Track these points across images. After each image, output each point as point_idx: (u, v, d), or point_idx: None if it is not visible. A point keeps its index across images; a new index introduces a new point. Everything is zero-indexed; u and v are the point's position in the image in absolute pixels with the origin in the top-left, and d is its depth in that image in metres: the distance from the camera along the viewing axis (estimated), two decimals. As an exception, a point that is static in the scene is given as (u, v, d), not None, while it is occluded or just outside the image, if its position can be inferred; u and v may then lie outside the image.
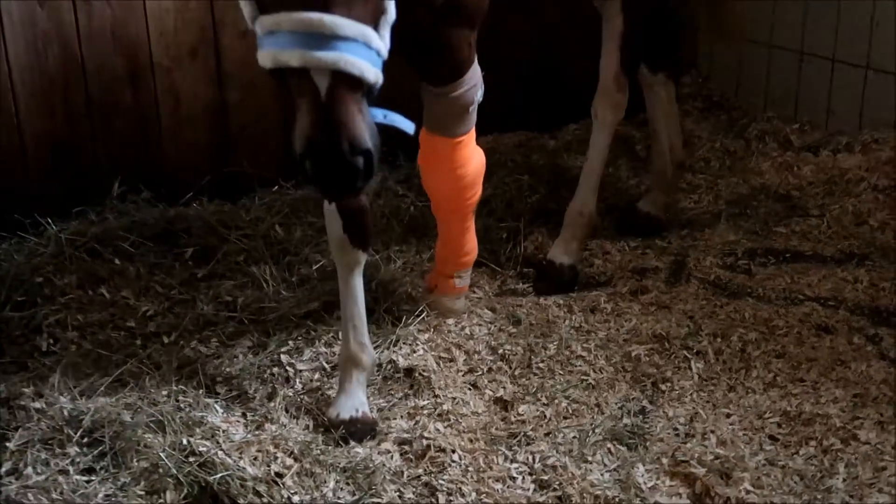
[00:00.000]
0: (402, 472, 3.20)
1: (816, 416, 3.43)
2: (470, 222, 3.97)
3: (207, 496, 3.05)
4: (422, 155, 3.78)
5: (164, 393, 3.55)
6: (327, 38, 2.59)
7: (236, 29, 4.85)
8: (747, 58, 6.03)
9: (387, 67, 2.76)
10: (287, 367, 3.74)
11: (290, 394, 3.61)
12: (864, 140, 5.29)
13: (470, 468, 3.22)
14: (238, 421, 3.44)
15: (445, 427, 3.41)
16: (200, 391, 3.60)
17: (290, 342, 3.88)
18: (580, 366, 3.79)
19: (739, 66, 6.11)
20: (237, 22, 4.82)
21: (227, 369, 3.75)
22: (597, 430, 3.39)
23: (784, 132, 5.65)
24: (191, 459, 3.12)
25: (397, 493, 3.10)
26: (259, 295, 4.16)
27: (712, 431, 3.39)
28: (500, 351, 3.86)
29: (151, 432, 3.28)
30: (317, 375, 3.72)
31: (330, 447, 3.33)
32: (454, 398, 3.57)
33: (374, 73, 2.68)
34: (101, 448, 3.24)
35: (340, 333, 3.66)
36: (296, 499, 3.06)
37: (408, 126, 3.02)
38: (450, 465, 3.22)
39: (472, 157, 3.79)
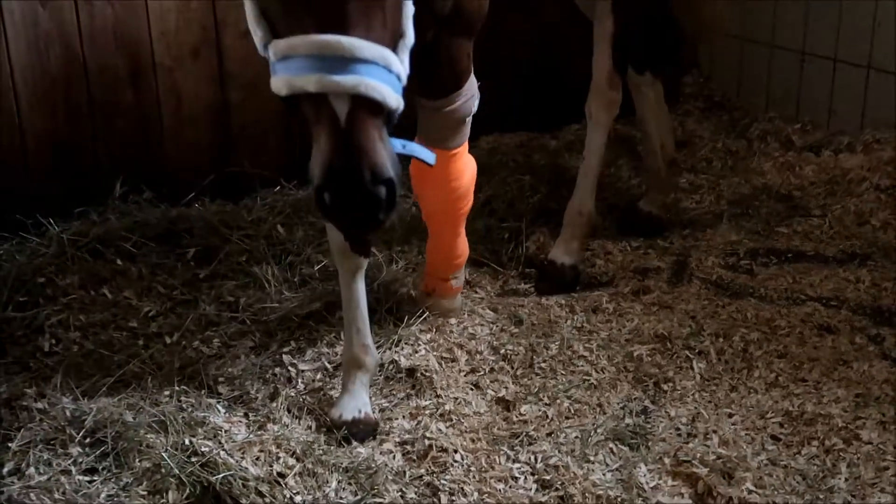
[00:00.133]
0: (405, 472, 3.20)
1: (818, 416, 3.43)
2: (461, 228, 3.93)
3: (210, 496, 3.05)
4: (414, 166, 3.72)
5: (167, 393, 3.55)
6: (346, 62, 2.44)
7: (238, 29, 4.85)
8: (749, 58, 6.04)
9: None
10: (289, 368, 3.74)
11: (293, 394, 3.61)
12: (866, 140, 5.30)
13: (472, 468, 3.22)
14: (240, 421, 3.44)
15: (447, 427, 3.41)
16: (202, 391, 3.60)
17: (293, 342, 3.89)
18: (582, 366, 3.79)
19: (741, 67, 6.11)
20: (239, 22, 4.82)
21: (230, 369, 3.75)
22: (599, 430, 3.39)
23: (786, 132, 5.65)
24: (193, 459, 3.13)
25: (399, 493, 3.10)
26: (261, 295, 4.16)
27: (714, 431, 3.39)
28: (502, 351, 3.86)
29: (154, 432, 3.28)
30: (319, 375, 3.73)
31: (332, 447, 3.33)
32: (456, 398, 3.57)
33: (395, 99, 2.54)
34: (103, 448, 3.24)
35: (343, 335, 3.66)
36: (298, 499, 3.06)
37: (429, 157, 2.97)
38: (452, 465, 3.22)
39: (466, 169, 3.75)
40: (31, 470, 3.17)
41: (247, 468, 3.10)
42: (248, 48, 4.76)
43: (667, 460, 3.24)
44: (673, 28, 4.83)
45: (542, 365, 3.78)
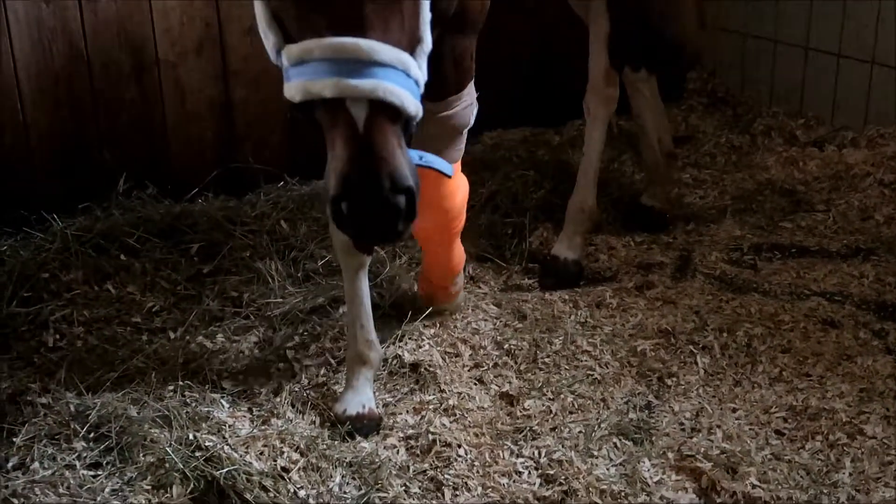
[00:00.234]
0: (408, 467, 3.21)
1: (822, 411, 3.43)
2: (456, 242, 3.85)
3: (214, 491, 3.06)
4: None
5: (171, 388, 3.55)
6: (364, 65, 2.35)
7: (241, 25, 4.86)
8: (752, 53, 6.03)
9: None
10: (293, 363, 3.75)
11: (296, 389, 3.61)
12: (870, 135, 5.30)
13: (476, 463, 3.22)
14: (244, 416, 3.45)
15: (451, 422, 3.41)
16: (206, 386, 3.60)
17: (296, 337, 3.89)
18: (586, 361, 3.78)
19: (745, 62, 6.10)
20: (242, 18, 4.84)
21: (233, 364, 3.76)
22: (602, 425, 3.38)
23: (789, 127, 5.66)
24: (197, 454, 3.13)
25: (403, 488, 3.10)
26: (265, 290, 4.16)
27: (718, 426, 3.39)
28: (506, 346, 3.86)
29: (158, 427, 3.29)
30: (323, 370, 3.73)
31: (336, 442, 3.33)
32: (460, 393, 3.57)
33: (414, 105, 2.45)
34: (107, 443, 3.25)
35: (347, 331, 3.66)
36: (302, 493, 3.06)
37: (447, 168, 2.91)
38: (455, 460, 3.22)
39: (459, 189, 3.63)
40: (36, 465, 3.17)
41: (251, 463, 3.10)
42: (252, 45, 4.81)
43: (670, 455, 3.24)
44: (655, 23, 4.82)
45: (546, 360, 3.78)
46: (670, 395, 3.59)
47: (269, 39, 2.53)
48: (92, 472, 3.15)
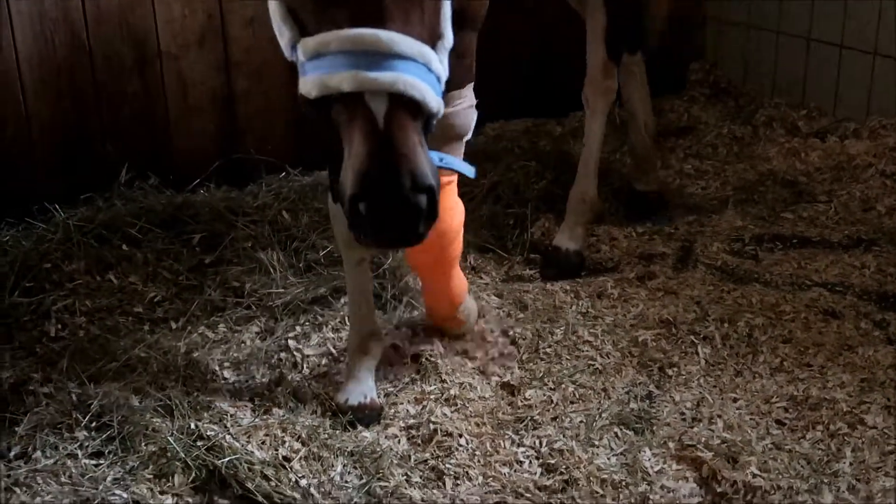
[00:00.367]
0: (410, 456, 3.22)
1: (823, 401, 3.43)
2: (455, 269, 3.65)
3: (215, 480, 3.08)
4: None
5: (172, 378, 3.57)
6: (383, 57, 2.25)
7: (243, 17, 4.86)
8: (755, 44, 6.03)
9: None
10: (294, 353, 3.75)
11: (298, 379, 3.62)
12: (872, 126, 5.29)
13: (477, 452, 3.23)
14: (246, 405, 3.46)
15: (452, 412, 3.42)
16: (208, 376, 3.61)
17: (298, 327, 3.90)
18: (587, 351, 3.79)
19: (747, 53, 6.10)
20: (244, 9, 4.83)
21: (235, 354, 3.77)
22: (603, 415, 3.39)
23: (791, 118, 5.65)
24: (199, 443, 3.15)
25: (404, 477, 3.11)
26: (266, 281, 4.17)
27: (719, 416, 3.39)
28: (508, 336, 3.86)
29: (159, 416, 3.31)
30: (324, 360, 3.73)
31: (337, 431, 3.34)
32: (461, 383, 3.57)
33: (436, 100, 2.34)
34: (109, 432, 3.26)
35: (348, 321, 3.67)
36: (303, 482, 3.07)
37: (468, 170, 2.83)
38: (457, 450, 3.23)
39: (455, 209, 3.43)
40: (38, 454, 3.19)
41: (252, 452, 3.12)
42: (254, 36, 4.82)
43: (671, 445, 3.25)
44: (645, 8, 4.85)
45: (548, 350, 3.79)
46: (671, 385, 3.60)
47: (283, 34, 2.44)
48: (94, 462, 3.17)
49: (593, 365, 3.70)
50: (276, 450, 3.16)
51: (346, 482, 3.11)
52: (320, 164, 4.92)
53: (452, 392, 3.51)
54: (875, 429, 3.29)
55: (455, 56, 3.14)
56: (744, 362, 3.70)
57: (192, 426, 3.22)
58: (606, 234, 4.69)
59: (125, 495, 3.00)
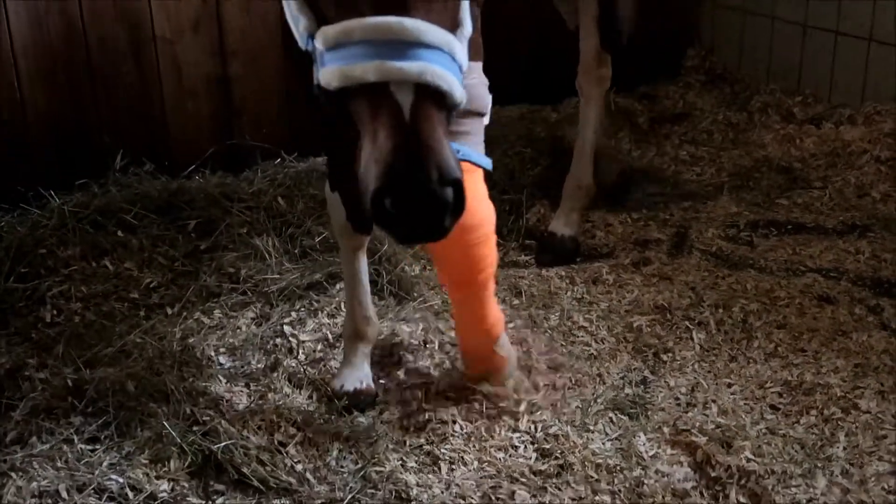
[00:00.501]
0: (405, 442, 3.22)
1: (817, 386, 3.44)
2: (489, 291, 3.27)
3: (211, 465, 3.08)
4: None
5: (168, 363, 3.57)
6: (409, 46, 2.15)
7: (238, 1, 4.85)
8: (750, 30, 6.02)
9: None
10: (290, 338, 3.75)
11: (293, 364, 3.62)
12: (867, 112, 5.29)
13: (472, 437, 3.23)
14: (241, 391, 3.46)
15: (447, 398, 3.42)
16: (204, 362, 3.61)
17: (293, 313, 3.90)
18: (582, 336, 3.80)
19: (742, 39, 6.09)
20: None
21: (231, 340, 3.77)
22: (599, 400, 3.40)
23: (787, 105, 5.66)
24: (195, 429, 3.16)
25: (400, 462, 3.12)
26: (262, 266, 4.17)
27: (713, 401, 3.41)
28: (503, 322, 3.87)
29: (155, 402, 3.31)
30: (320, 346, 3.74)
31: (333, 417, 3.35)
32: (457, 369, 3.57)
33: (460, 91, 2.23)
34: (105, 418, 3.27)
35: (344, 307, 3.67)
36: (299, 467, 3.07)
37: (486, 163, 2.78)
38: (452, 435, 3.23)
39: (481, 206, 3.10)
40: (34, 439, 3.20)
41: (248, 437, 3.12)
42: (249, 21, 4.81)
43: (666, 429, 3.26)
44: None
45: (543, 336, 3.79)
46: (666, 371, 3.61)
47: (299, 22, 2.33)
48: (90, 447, 3.18)
49: (588, 350, 3.71)
50: (272, 435, 3.16)
51: (342, 467, 3.11)
52: (316, 150, 4.92)
53: (448, 378, 3.52)
54: (869, 413, 3.31)
55: None
56: (738, 348, 3.71)
57: (188, 411, 3.23)
58: (602, 219, 4.70)
59: (121, 480, 3.00)
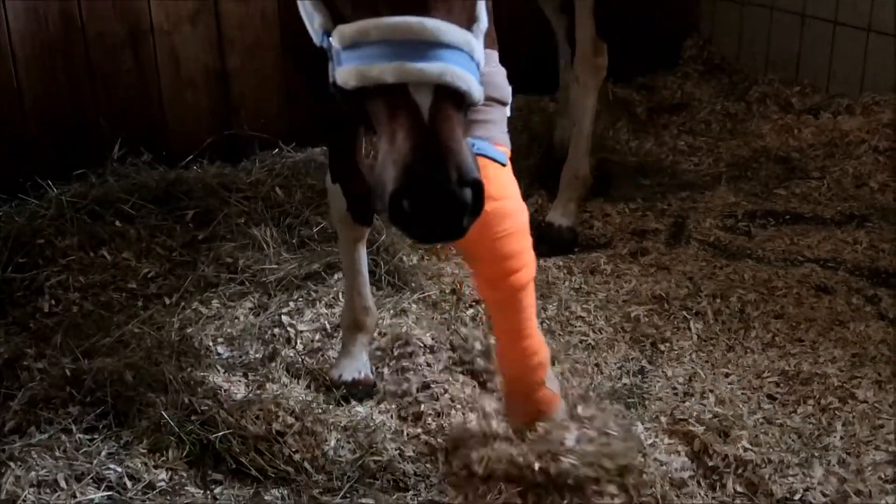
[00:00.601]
0: (402, 431, 3.22)
1: (814, 376, 3.45)
2: (527, 308, 2.94)
3: (209, 454, 3.09)
4: None
5: (166, 353, 3.57)
6: (429, 47, 2.11)
7: (236, -8, 4.86)
8: (749, 20, 6.02)
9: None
10: (288, 328, 3.76)
11: (291, 354, 3.63)
12: (865, 102, 5.29)
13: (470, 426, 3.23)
14: (239, 381, 3.46)
15: (445, 387, 3.42)
16: (202, 352, 3.62)
17: (291, 303, 3.90)
18: (580, 326, 3.80)
19: (741, 29, 6.09)
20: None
21: (229, 330, 3.77)
22: (596, 390, 3.40)
23: (785, 95, 5.65)
24: (193, 418, 3.16)
25: (398, 451, 3.12)
26: (260, 257, 4.17)
27: (711, 391, 3.41)
28: (501, 312, 3.87)
29: (153, 392, 3.31)
30: (318, 336, 3.74)
31: (331, 406, 3.35)
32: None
33: (478, 90, 2.19)
34: (103, 407, 3.28)
35: (343, 298, 3.67)
36: (297, 456, 3.08)
37: (502, 157, 2.77)
38: (450, 425, 3.23)
39: (509, 198, 2.89)
40: (32, 429, 3.21)
41: (246, 427, 3.12)
42: (246, 13, 4.80)
43: (663, 419, 3.26)
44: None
45: (541, 326, 3.79)
46: (663, 361, 3.62)
47: (315, 20, 2.30)
48: (88, 436, 3.18)
49: (586, 340, 3.72)
50: (270, 424, 3.15)
51: (340, 456, 3.12)
52: (313, 141, 4.92)
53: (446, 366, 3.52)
54: (866, 403, 3.32)
55: None
56: (736, 337, 3.71)
57: (186, 401, 3.23)
58: (599, 210, 4.70)
59: (119, 469, 3.01)
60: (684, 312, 3.85)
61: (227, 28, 4.92)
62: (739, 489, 2.94)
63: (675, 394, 3.44)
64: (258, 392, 3.37)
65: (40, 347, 3.64)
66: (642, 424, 3.23)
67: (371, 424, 3.23)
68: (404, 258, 4.13)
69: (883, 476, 2.98)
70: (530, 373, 2.98)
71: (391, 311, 3.82)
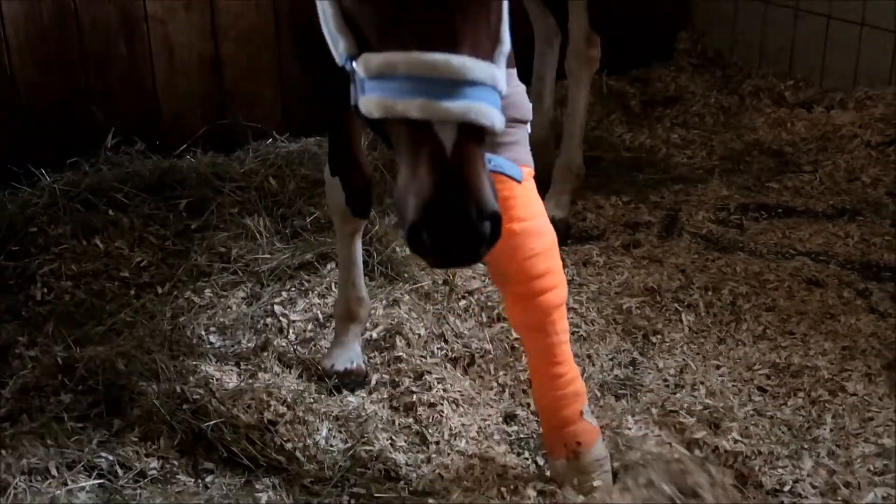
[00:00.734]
0: (394, 421, 3.23)
1: (805, 368, 3.46)
2: (559, 333, 2.86)
3: (201, 443, 3.09)
4: None
5: (158, 342, 3.57)
6: (455, 85, 2.09)
7: (231, -19, 4.85)
8: (742, 14, 6.03)
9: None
10: (280, 318, 3.76)
11: (284, 344, 3.63)
12: (858, 96, 5.31)
13: (462, 417, 3.24)
14: (231, 370, 3.47)
15: (437, 379, 3.43)
16: (194, 341, 3.62)
17: (284, 293, 3.90)
18: (572, 318, 3.79)
19: (734, 22, 6.10)
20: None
21: (221, 319, 3.77)
22: (588, 381, 3.40)
23: (778, 88, 5.67)
24: (184, 407, 3.16)
25: (389, 441, 3.13)
26: (253, 246, 4.17)
27: (702, 382, 3.42)
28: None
29: (145, 380, 3.31)
30: (310, 326, 3.74)
31: (322, 396, 3.35)
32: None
33: (500, 122, 2.17)
34: (95, 395, 3.27)
35: (337, 289, 3.67)
36: (288, 446, 3.08)
37: (516, 173, 2.73)
38: (441, 415, 3.24)
39: (536, 217, 2.84)
40: (24, 416, 3.21)
41: (238, 416, 3.13)
42: (241, 1, 4.78)
43: (654, 410, 3.27)
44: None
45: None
46: (655, 352, 3.62)
47: (339, 44, 2.24)
48: (80, 424, 3.18)
49: (578, 332, 3.72)
50: (262, 414, 3.16)
51: (331, 446, 3.12)
52: (307, 131, 4.93)
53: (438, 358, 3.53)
54: (856, 396, 3.33)
55: None
56: (727, 330, 3.72)
57: (178, 390, 3.23)
58: (592, 202, 4.70)
59: (111, 457, 3.01)
60: (676, 305, 3.86)
61: (222, 16, 4.92)
62: (729, 481, 2.94)
63: (667, 385, 3.45)
64: (250, 381, 3.37)
65: (32, 335, 3.64)
66: (633, 416, 3.24)
67: (363, 414, 3.24)
68: (397, 249, 4.13)
69: (872, 468, 2.98)
70: (566, 404, 2.90)
71: (384, 302, 3.82)
